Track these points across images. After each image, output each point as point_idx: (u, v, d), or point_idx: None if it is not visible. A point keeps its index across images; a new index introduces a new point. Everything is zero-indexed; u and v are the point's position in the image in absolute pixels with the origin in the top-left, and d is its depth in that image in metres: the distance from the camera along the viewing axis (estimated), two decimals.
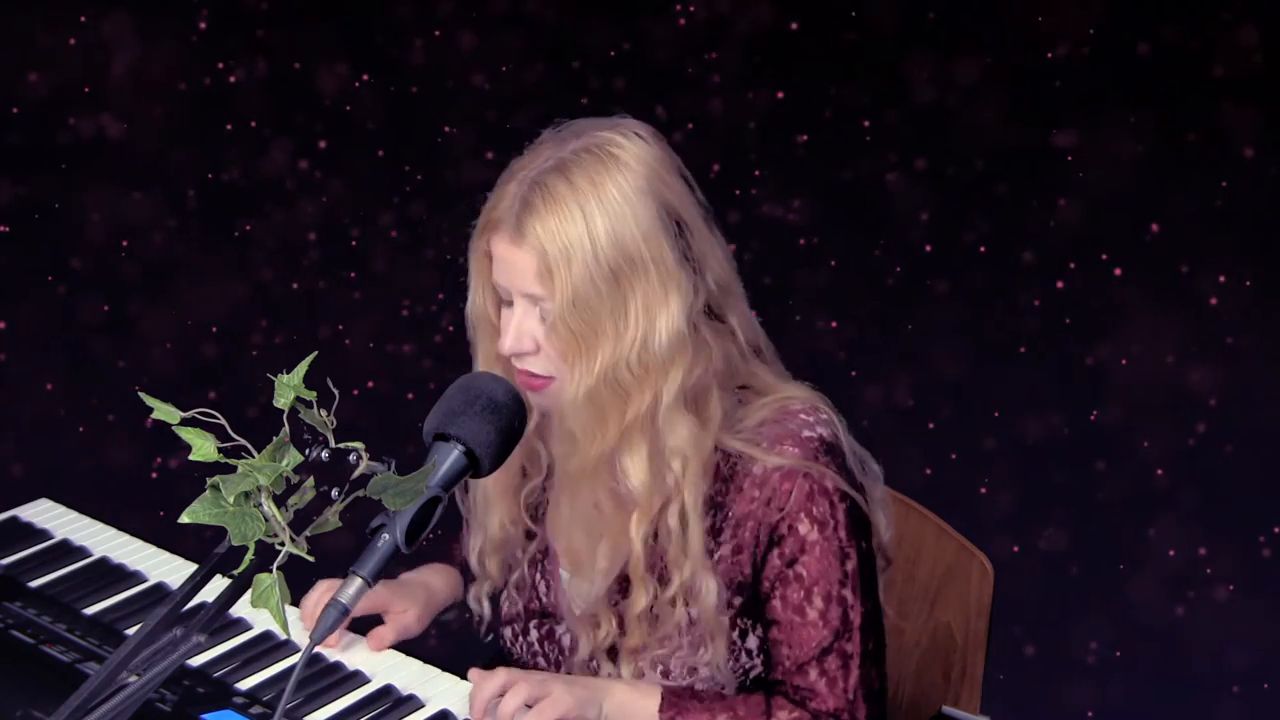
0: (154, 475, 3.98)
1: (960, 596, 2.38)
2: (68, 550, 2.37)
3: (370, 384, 4.08)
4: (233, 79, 4.34)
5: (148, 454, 4.01)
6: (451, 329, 4.14)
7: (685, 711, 2.09)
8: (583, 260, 1.96)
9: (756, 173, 4.31)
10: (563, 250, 1.96)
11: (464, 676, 2.16)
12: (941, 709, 2.33)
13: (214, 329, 4.23)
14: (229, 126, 4.38)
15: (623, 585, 2.12)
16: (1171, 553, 3.88)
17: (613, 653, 2.14)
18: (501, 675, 2.06)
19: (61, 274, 4.27)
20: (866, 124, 4.27)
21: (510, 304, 2.04)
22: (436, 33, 4.41)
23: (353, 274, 4.34)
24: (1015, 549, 3.89)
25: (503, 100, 4.39)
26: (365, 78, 4.42)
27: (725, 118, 4.27)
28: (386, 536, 1.73)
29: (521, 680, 2.04)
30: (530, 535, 2.22)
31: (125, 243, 4.33)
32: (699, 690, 2.12)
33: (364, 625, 2.23)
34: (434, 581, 2.34)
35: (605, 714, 2.08)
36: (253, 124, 4.39)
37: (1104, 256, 4.07)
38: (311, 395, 1.61)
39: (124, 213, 4.31)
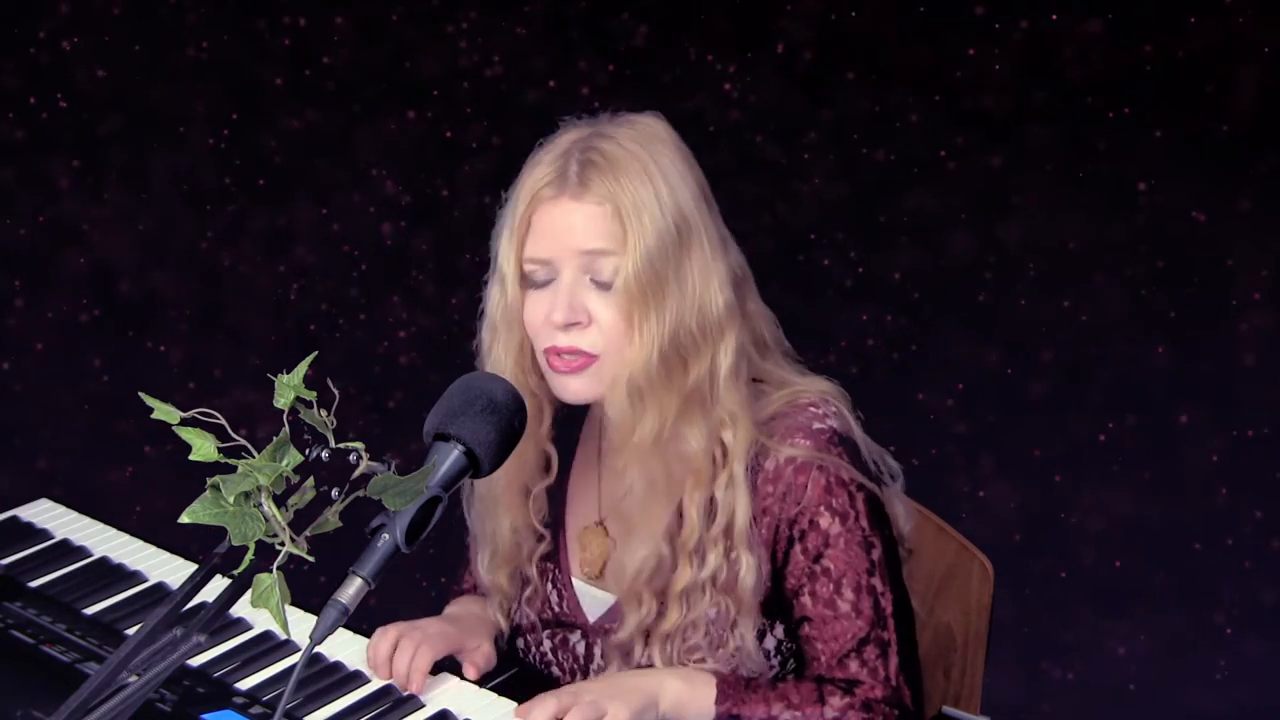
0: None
1: (960, 596, 2.38)
2: (68, 550, 2.37)
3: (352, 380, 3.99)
4: (206, 44, 4.13)
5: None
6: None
7: (741, 702, 2.08)
8: (651, 216, 1.98)
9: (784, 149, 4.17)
10: (634, 204, 1.98)
11: (464, 677, 2.16)
12: (941, 709, 2.33)
13: (184, 326, 4.16)
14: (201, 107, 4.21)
15: (667, 561, 2.10)
16: (1209, 564, 3.83)
17: (647, 635, 2.12)
18: (552, 704, 1.99)
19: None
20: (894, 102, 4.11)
21: (545, 283, 2.02)
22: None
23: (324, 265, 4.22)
24: (1041, 555, 3.87)
25: (518, 61, 4.08)
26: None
27: (739, 96, 4.12)
28: (386, 536, 1.74)
29: (578, 706, 1.98)
30: (539, 538, 2.22)
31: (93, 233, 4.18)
32: (752, 679, 2.11)
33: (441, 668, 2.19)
34: (483, 613, 2.31)
35: (663, 713, 2.06)
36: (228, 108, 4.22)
37: (1143, 247, 3.91)
38: (311, 395, 1.61)
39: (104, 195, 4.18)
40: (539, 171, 2.03)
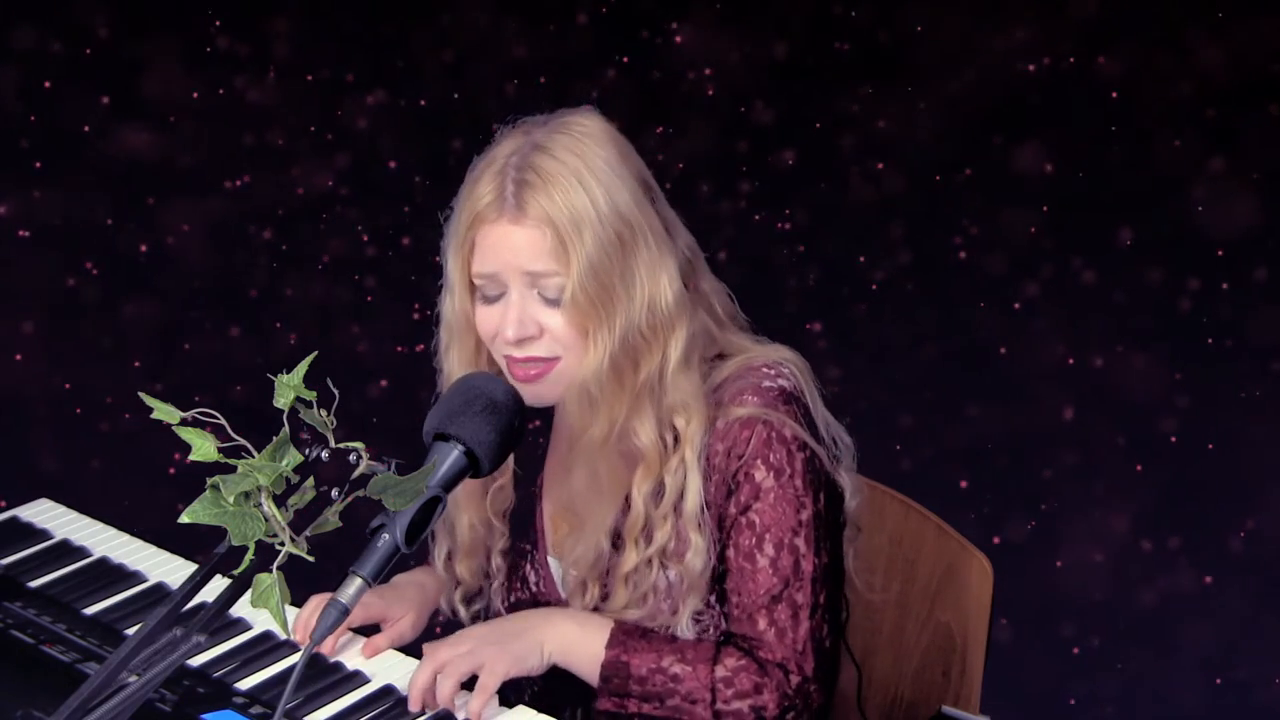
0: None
1: (960, 596, 2.38)
2: (68, 550, 2.37)
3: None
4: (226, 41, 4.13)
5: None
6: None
7: (632, 651, 2.09)
8: (591, 227, 1.99)
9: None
10: (572, 220, 1.99)
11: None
12: (941, 709, 2.33)
13: (187, 328, 4.18)
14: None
15: (612, 546, 2.13)
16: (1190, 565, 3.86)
17: (598, 610, 2.15)
18: (429, 662, 2.04)
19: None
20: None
21: (495, 298, 2.04)
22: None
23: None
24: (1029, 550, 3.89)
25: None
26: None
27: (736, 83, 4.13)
28: (386, 536, 1.74)
29: (451, 661, 2.03)
30: (500, 533, 2.25)
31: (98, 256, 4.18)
32: (649, 630, 2.12)
33: (365, 635, 2.22)
34: (426, 581, 2.34)
35: (548, 655, 2.09)
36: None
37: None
38: (312, 395, 1.61)
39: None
40: (478, 190, 2.04)
